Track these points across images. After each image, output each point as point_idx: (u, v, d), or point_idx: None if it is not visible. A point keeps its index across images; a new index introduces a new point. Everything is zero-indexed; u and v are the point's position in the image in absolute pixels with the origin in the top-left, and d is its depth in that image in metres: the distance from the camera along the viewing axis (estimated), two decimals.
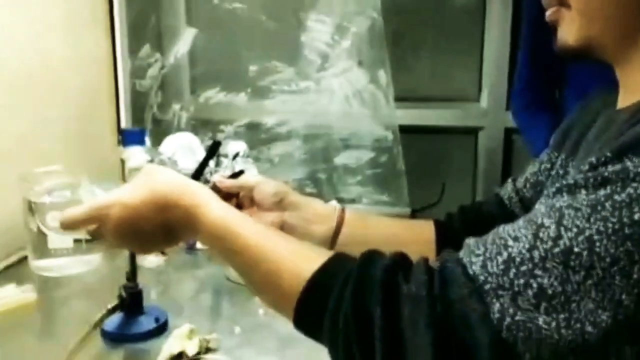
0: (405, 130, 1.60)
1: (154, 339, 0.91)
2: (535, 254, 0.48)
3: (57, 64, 1.36)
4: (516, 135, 1.64)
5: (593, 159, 0.52)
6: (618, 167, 0.49)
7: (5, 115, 1.22)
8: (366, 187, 1.60)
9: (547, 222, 0.50)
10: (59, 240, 1.14)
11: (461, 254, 0.54)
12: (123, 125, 1.60)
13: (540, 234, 0.49)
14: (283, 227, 0.89)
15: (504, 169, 1.68)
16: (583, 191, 0.50)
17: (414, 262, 0.56)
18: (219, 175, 0.94)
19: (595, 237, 0.47)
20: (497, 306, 0.48)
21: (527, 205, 0.84)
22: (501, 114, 1.62)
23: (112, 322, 0.92)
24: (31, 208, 1.13)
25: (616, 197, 0.48)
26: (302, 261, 0.59)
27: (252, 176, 0.96)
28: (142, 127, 1.60)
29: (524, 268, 0.48)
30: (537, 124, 1.41)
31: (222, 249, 0.65)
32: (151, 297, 1.07)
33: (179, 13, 1.66)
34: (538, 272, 0.48)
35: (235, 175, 0.92)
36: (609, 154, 0.50)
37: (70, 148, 1.41)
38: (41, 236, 1.13)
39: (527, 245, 0.49)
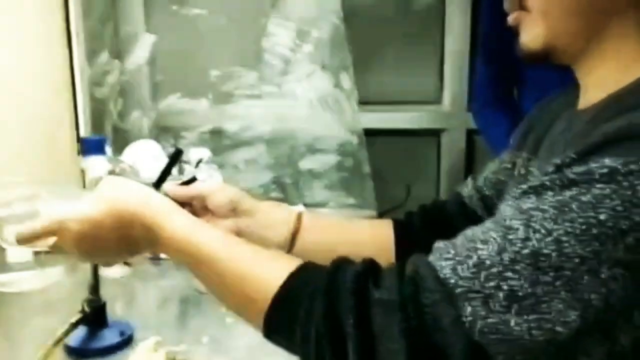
0: (369, 134, 1.61)
1: (119, 353, 0.89)
2: (505, 256, 0.49)
3: (13, 74, 1.32)
4: (478, 136, 1.66)
5: (558, 160, 0.52)
6: (583, 168, 0.50)
7: None
8: (332, 191, 1.60)
9: (515, 224, 0.50)
10: (17, 253, 1.11)
11: (431, 257, 0.54)
12: (82, 134, 1.56)
13: (509, 236, 0.50)
14: (238, 234, 0.87)
15: (467, 169, 1.70)
16: (549, 192, 0.51)
17: (384, 267, 0.56)
18: (171, 184, 0.91)
19: (563, 238, 0.48)
20: (468, 310, 0.49)
21: (487, 204, 0.85)
22: (463, 116, 1.65)
23: (76, 336, 0.90)
24: None
25: (582, 197, 0.48)
26: (270, 271, 0.58)
27: (204, 184, 0.94)
28: (103, 135, 1.57)
29: (494, 270, 0.49)
30: (496, 123, 1.44)
31: (186, 263, 0.63)
32: (116, 309, 1.04)
33: (137, 20, 1.64)
34: (508, 274, 0.48)
35: (187, 182, 0.90)
36: (573, 156, 0.51)
37: (29, 159, 1.37)
38: None
39: (496, 248, 0.50)
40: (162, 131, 1.65)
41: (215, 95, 1.61)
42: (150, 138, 1.58)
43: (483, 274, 0.49)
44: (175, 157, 1.03)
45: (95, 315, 0.91)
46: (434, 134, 1.72)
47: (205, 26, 1.55)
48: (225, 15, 1.55)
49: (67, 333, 0.87)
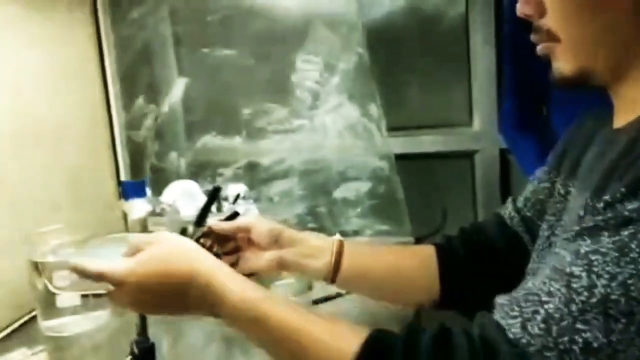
0: (401, 159, 1.61)
1: None
2: (573, 307, 0.48)
3: (53, 123, 1.38)
4: (511, 155, 1.65)
5: (607, 197, 0.51)
6: (636, 204, 0.49)
7: (4, 176, 1.23)
8: (367, 218, 1.60)
9: (576, 270, 0.49)
10: (67, 298, 1.14)
11: (497, 316, 0.53)
12: (122, 177, 1.61)
13: (573, 285, 0.49)
14: (281, 264, 0.89)
15: (502, 189, 1.69)
16: (605, 233, 0.50)
17: (454, 332, 0.54)
18: (215, 219, 0.94)
19: (629, 281, 0.47)
20: None
21: (528, 225, 0.85)
22: (494, 135, 1.63)
23: None
24: (37, 268, 1.13)
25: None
26: (340, 341, 0.58)
27: (246, 217, 0.96)
28: (142, 177, 1.61)
29: (564, 324, 0.48)
30: (526, 143, 1.43)
31: (248, 331, 0.64)
32: (162, 349, 1.06)
33: (170, 64, 1.69)
34: (580, 326, 0.47)
35: (230, 217, 0.93)
36: (623, 190, 0.50)
37: (72, 205, 1.42)
38: (49, 296, 1.13)
39: (562, 299, 0.49)
40: (199, 169, 1.69)
41: (249, 132, 1.65)
42: (188, 177, 1.62)
43: (554, 329, 0.48)
44: (214, 195, 1.06)
45: (144, 357, 0.93)
46: (467, 155, 1.71)
47: (235, 66, 1.59)
48: (253, 55, 1.59)
49: None
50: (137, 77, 1.64)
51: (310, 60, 1.55)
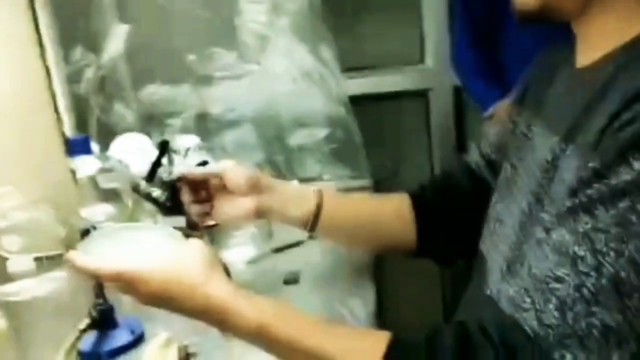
0: (355, 101, 1.59)
1: (132, 351, 0.90)
2: (584, 291, 0.47)
3: None
4: (465, 92, 1.65)
5: (596, 164, 0.49)
6: (628, 175, 0.47)
7: None
8: (325, 163, 1.58)
9: (580, 251, 0.48)
10: (19, 262, 1.11)
11: (509, 310, 0.52)
12: (67, 133, 1.54)
13: (580, 267, 0.48)
14: (260, 212, 0.87)
15: (457, 127, 1.70)
16: (601, 207, 0.48)
17: (472, 331, 0.53)
18: (186, 168, 0.92)
19: (635, 255, 0.46)
20: (568, 357, 0.47)
21: (495, 169, 0.85)
22: (448, 73, 1.63)
23: (87, 341, 0.91)
24: None
25: (638, 206, 0.47)
26: (362, 353, 0.57)
27: (220, 163, 0.94)
28: (88, 132, 1.55)
29: (578, 309, 0.47)
30: (482, 83, 1.43)
31: (266, 350, 0.62)
32: (123, 306, 1.04)
33: (109, 11, 1.60)
34: (594, 308, 0.47)
35: (201, 165, 0.91)
36: (612, 157, 0.49)
37: (17, 166, 1.35)
38: (0, 261, 1.10)
39: (572, 284, 0.48)
40: (147, 121, 1.63)
41: (196, 79, 1.58)
42: (136, 129, 1.56)
43: (569, 316, 0.47)
44: (163, 149, 1.03)
45: (103, 318, 0.92)
46: (421, 94, 1.71)
47: (177, 11, 1.52)
48: None
49: (78, 339, 0.87)
50: (74, 25, 1.54)
51: (256, 0, 1.49)
